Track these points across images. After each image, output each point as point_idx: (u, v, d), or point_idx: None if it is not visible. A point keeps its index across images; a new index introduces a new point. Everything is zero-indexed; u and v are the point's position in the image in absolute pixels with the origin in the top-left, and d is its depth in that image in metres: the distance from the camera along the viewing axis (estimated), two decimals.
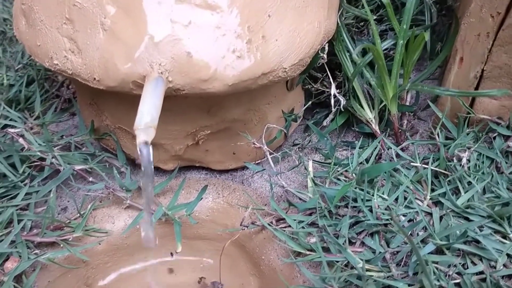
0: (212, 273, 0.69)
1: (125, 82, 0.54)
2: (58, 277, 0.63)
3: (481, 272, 0.53)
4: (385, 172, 0.65)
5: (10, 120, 0.73)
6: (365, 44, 0.63)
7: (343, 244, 0.57)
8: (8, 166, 0.65)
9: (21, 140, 0.63)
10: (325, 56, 0.64)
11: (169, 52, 0.53)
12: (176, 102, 0.62)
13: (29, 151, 0.63)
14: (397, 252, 0.57)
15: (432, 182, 0.65)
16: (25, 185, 0.64)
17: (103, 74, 0.54)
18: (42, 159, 0.65)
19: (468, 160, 0.63)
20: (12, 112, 0.73)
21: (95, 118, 0.69)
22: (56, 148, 0.67)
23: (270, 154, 0.66)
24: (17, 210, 0.62)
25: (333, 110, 0.69)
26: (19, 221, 0.61)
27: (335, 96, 0.69)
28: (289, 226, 0.63)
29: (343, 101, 0.67)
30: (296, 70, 0.60)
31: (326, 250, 0.58)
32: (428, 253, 0.55)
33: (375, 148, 0.69)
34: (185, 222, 0.69)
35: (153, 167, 0.48)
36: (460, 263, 0.54)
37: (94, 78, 0.55)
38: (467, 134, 0.67)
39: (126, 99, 0.62)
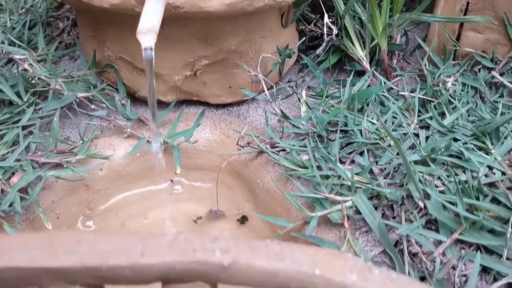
0: (210, 201, 0.72)
1: None
2: (61, 197, 0.66)
3: (465, 182, 0.56)
4: (375, 101, 0.68)
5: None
6: None
7: (334, 160, 0.60)
8: (13, 94, 0.68)
9: (26, 65, 0.66)
10: None
11: None
12: (174, 29, 0.64)
13: (34, 73, 0.65)
14: (385, 168, 0.60)
15: (419, 110, 0.68)
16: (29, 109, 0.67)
17: None
18: (46, 84, 0.67)
19: (453, 84, 0.66)
20: (17, 43, 0.75)
21: (97, 51, 0.72)
22: (59, 79, 0.70)
23: (265, 83, 0.69)
24: (22, 131, 0.65)
25: (326, 39, 0.72)
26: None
27: (328, 31, 0.72)
28: (283, 150, 0.66)
29: (335, 30, 0.70)
30: None
31: (318, 168, 0.61)
32: (415, 165, 0.58)
33: (366, 81, 0.72)
34: (184, 152, 0.72)
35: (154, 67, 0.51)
36: (444, 175, 0.57)
37: None
38: (453, 66, 0.71)
39: (127, 27, 0.65)
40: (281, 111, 0.67)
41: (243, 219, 0.69)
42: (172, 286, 0.34)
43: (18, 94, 0.69)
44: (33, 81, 0.69)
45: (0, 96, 0.68)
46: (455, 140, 0.61)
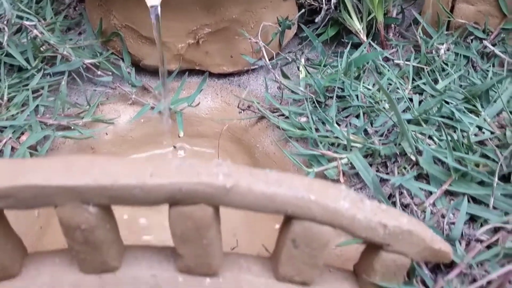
0: None
1: None
2: None
3: (456, 140, 0.59)
4: (370, 69, 0.71)
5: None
6: None
7: (331, 122, 0.63)
8: (22, 60, 0.70)
9: (36, 32, 0.68)
10: None
11: None
12: None
13: (43, 37, 0.68)
14: (379, 130, 0.63)
15: (413, 78, 0.70)
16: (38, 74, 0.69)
17: None
18: (55, 50, 0.70)
19: (446, 52, 0.68)
20: (27, 11, 0.78)
21: (103, 20, 0.75)
22: (67, 45, 0.73)
23: (266, 51, 0.72)
24: (32, 95, 0.67)
25: (324, 7, 0.75)
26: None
27: (327, 1, 0.74)
28: (282, 115, 0.69)
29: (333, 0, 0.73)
30: None
31: (316, 130, 0.64)
32: (408, 124, 0.61)
33: (362, 51, 0.75)
34: (186, 120, 0.75)
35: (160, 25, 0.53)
36: (436, 134, 0.60)
37: None
38: (447, 35, 0.73)
39: None
40: (281, 70, 0.69)
41: None
42: (178, 208, 0.36)
43: (27, 60, 0.72)
44: (42, 48, 0.71)
45: (10, 62, 0.71)
46: (447, 103, 0.64)
